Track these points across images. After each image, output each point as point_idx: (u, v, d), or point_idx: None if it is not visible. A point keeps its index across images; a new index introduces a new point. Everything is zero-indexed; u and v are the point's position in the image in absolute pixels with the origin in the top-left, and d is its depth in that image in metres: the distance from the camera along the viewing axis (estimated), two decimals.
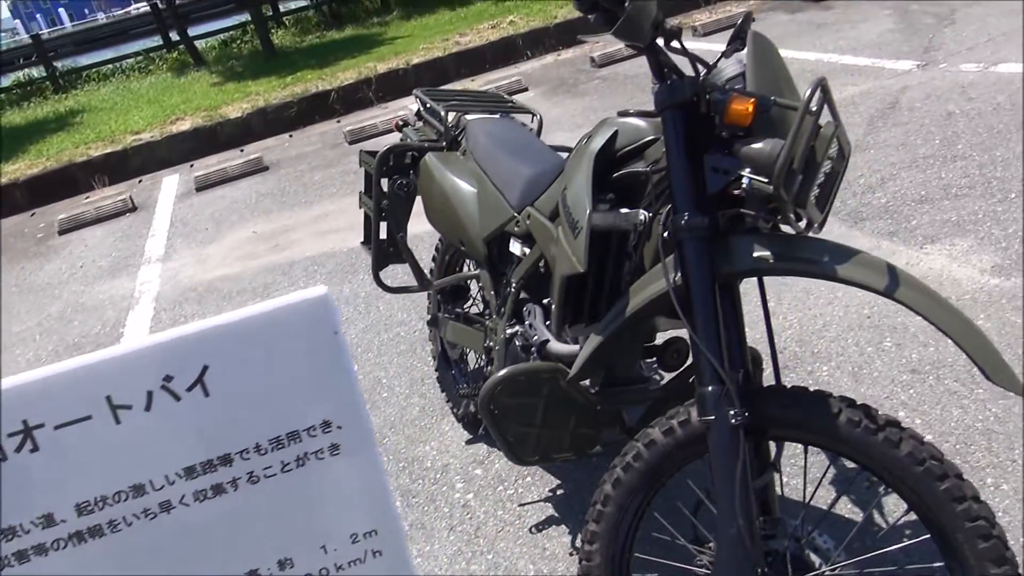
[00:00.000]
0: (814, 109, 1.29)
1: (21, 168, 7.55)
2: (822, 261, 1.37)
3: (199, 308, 4.19)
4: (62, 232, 6.14)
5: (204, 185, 6.44)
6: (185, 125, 7.75)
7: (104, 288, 4.82)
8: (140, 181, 7.18)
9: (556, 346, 1.84)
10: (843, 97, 4.83)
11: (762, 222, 1.40)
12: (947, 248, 3.01)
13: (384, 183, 2.39)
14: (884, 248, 3.12)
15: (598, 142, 1.60)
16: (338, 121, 7.59)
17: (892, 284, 1.32)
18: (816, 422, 1.38)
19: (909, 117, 4.29)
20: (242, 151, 7.32)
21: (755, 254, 1.41)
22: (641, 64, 6.90)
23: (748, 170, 1.32)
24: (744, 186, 1.33)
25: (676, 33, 1.41)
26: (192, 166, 7.22)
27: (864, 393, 2.37)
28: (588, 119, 5.73)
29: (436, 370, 2.78)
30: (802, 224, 1.48)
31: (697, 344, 1.38)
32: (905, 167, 3.73)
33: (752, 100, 1.33)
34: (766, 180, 1.29)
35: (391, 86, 7.82)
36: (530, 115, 2.51)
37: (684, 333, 1.53)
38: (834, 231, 3.33)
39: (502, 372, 1.68)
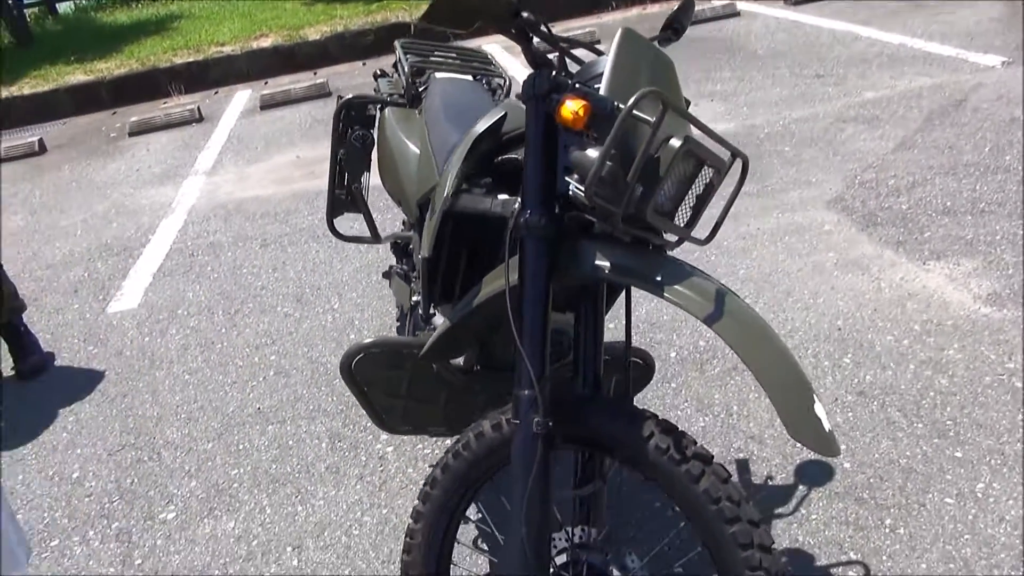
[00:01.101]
0: (652, 120, 1.22)
1: (111, 67, 7.89)
2: (654, 278, 1.32)
3: (223, 226, 4.34)
4: (132, 134, 6.43)
5: (268, 104, 6.59)
6: (267, 42, 7.90)
7: (149, 194, 5.04)
8: (216, 92, 7.41)
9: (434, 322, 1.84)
10: (911, 88, 4.52)
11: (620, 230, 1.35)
12: (949, 267, 2.81)
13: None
14: (886, 258, 2.94)
15: (483, 124, 1.55)
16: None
17: (716, 314, 1.26)
18: (625, 441, 1.35)
19: (970, 118, 3.98)
20: (315, 74, 7.43)
21: (595, 261, 1.36)
22: (719, 27, 6.60)
23: (575, 176, 1.27)
24: (570, 192, 1.28)
25: (534, 24, 1.33)
26: (266, 83, 7.39)
27: None
28: None
29: (397, 320, 2.81)
30: (671, 237, 1.43)
31: (518, 346, 1.35)
32: (942, 173, 3.48)
33: (585, 103, 1.26)
34: (582, 188, 1.24)
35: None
36: (501, 79, 2.46)
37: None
38: (842, 232, 3.16)
39: (364, 341, 1.69)
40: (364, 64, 7.53)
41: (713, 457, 1.31)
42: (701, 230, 1.35)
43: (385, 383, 1.73)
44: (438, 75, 2.43)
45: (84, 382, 3.01)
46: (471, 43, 6.20)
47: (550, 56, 1.47)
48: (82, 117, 7.34)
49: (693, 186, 1.47)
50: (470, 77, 2.44)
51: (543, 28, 1.37)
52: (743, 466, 2.11)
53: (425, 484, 1.54)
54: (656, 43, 1.83)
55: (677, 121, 1.32)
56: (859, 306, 2.69)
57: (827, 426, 1.22)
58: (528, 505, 1.31)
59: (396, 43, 2.60)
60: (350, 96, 2.34)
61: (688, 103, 1.93)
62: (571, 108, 1.25)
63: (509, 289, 1.38)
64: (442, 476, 1.51)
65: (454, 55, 2.61)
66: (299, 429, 2.53)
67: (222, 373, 2.93)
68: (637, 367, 1.83)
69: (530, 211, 1.35)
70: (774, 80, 5.10)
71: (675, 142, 1.27)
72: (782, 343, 1.29)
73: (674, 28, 1.77)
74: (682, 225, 1.45)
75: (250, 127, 6.14)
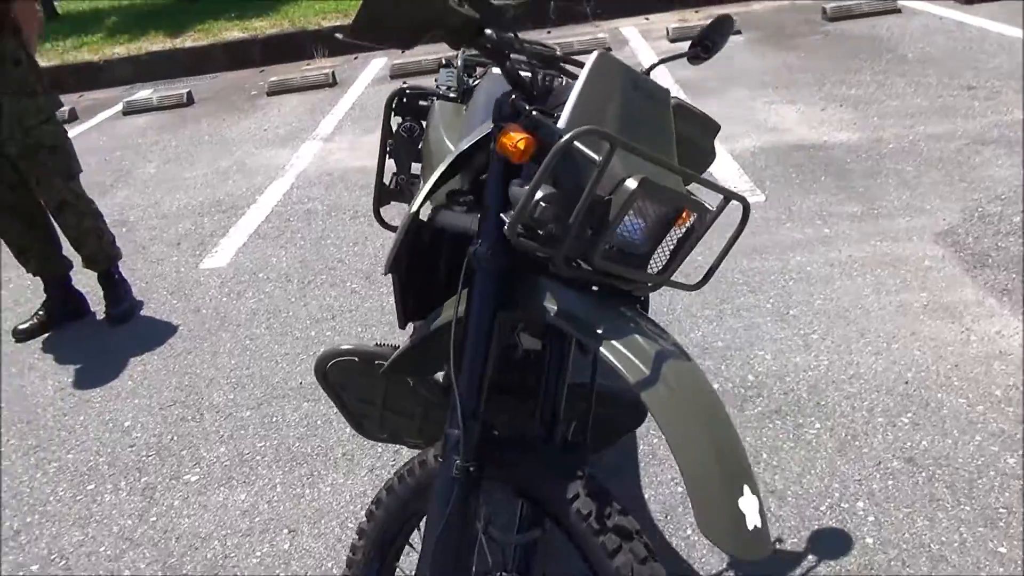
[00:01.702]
0: (598, 159, 1.11)
1: (265, 26, 8.28)
2: (595, 329, 1.21)
3: (324, 193, 4.47)
4: (269, 94, 6.73)
5: (399, 74, 6.71)
6: None
7: (268, 154, 5.26)
8: (355, 58, 7.62)
9: None
10: None
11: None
12: None
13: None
14: (986, 306, 2.62)
15: (468, 141, 1.48)
16: (548, 32, 7.49)
17: (649, 379, 1.14)
18: (549, 496, 1.26)
19: None
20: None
21: (544, 302, 1.27)
22: (874, 24, 6.10)
23: (512, 211, 1.18)
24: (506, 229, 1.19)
25: (501, 42, 1.24)
26: (403, 52, 7.52)
27: (838, 468, 2.08)
28: (778, 78, 5.21)
29: None
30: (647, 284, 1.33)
31: (452, 381, 1.29)
32: None
33: (527, 136, 1.16)
34: (505, 225, 1.15)
35: (611, 4, 7.54)
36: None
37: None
38: (944, 270, 2.84)
39: (341, 346, 1.67)
40: None
41: (638, 532, 1.20)
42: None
43: (360, 390, 1.71)
44: (495, 70, 2.36)
45: (159, 335, 3.20)
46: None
47: (539, 72, 1.38)
48: (232, 73, 7.76)
49: (673, 230, 1.35)
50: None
51: (516, 44, 1.28)
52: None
53: (372, 502, 1.51)
54: (687, 60, 1.69)
55: (641, 161, 1.20)
56: (937, 359, 2.42)
57: (753, 523, 1.08)
58: (436, 547, 1.25)
59: None
60: (403, 86, 2.31)
61: (717, 128, 1.78)
62: (510, 140, 1.16)
63: (456, 320, 1.31)
64: (386, 498, 1.48)
65: (527, 49, 2.52)
66: (329, 410, 2.56)
67: (279, 343, 3.02)
68: (626, 410, 1.71)
69: (481, 242, 1.27)
70: (917, 89, 4.65)
71: (631, 183, 1.15)
72: (721, 424, 1.16)
73: (704, 45, 1.62)
74: (655, 271, 1.34)
75: (376, 96, 6.26)
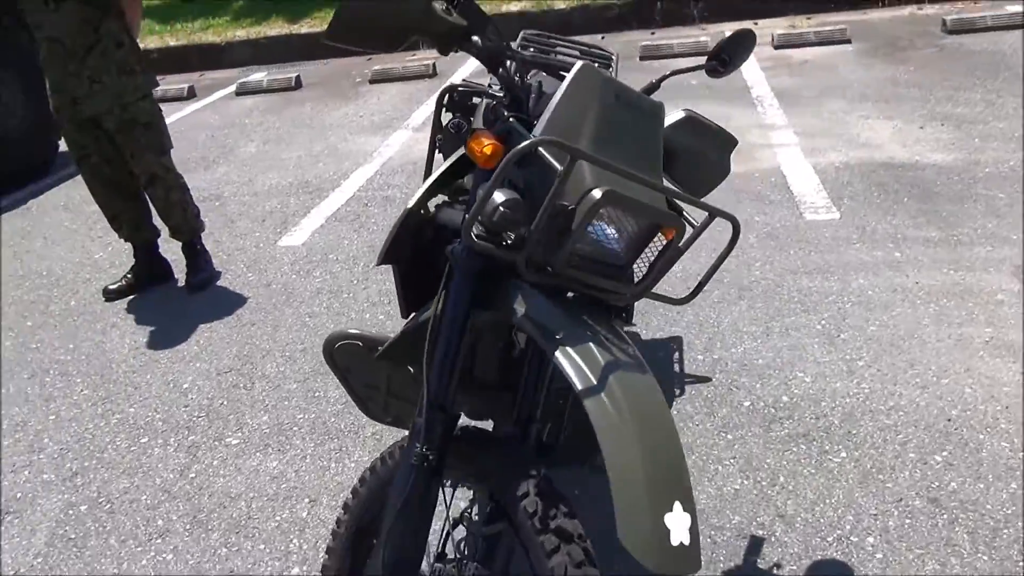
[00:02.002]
0: (559, 168, 1.13)
1: None
2: (555, 335, 1.23)
3: (405, 181, 4.60)
4: (372, 82, 6.96)
5: None
6: (515, 7, 8.11)
7: (359, 141, 5.45)
8: (456, 51, 7.74)
9: None
10: None
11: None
12: None
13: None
14: None
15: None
16: (652, 33, 7.42)
17: (595, 389, 1.16)
18: (502, 491, 1.29)
19: None
20: None
21: (513, 304, 1.30)
22: (997, 39, 5.74)
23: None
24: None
25: (492, 49, 1.28)
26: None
27: (855, 500, 2.01)
28: (880, 91, 5.00)
29: None
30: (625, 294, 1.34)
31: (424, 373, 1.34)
32: None
33: (494, 142, 1.20)
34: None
35: (720, 7, 7.39)
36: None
37: None
38: (1016, 307, 2.68)
39: (348, 330, 1.74)
40: (602, 38, 7.48)
41: (580, 536, 1.22)
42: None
43: (365, 374, 1.78)
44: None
45: (229, 305, 3.39)
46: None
47: (528, 79, 1.42)
48: (343, 60, 8.03)
49: (654, 243, 1.36)
50: None
51: (507, 51, 1.32)
52: (755, 544, 1.92)
53: (359, 480, 1.58)
54: (705, 72, 1.68)
55: (612, 174, 1.21)
56: (988, 398, 2.30)
57: (679, 540, 1.09)
58: (392, 530, 1.30)
59: (522, 33, 2.58)
60: (453, 83, 2.37)
61: (733, 143, 1.76)
62: (479, 145, 1.20)
63: (434, 316, 1.36)
64: (369, 478, 1.54)
65: (577, 52, 2.55)
66: None
67: (334, 322, 3.15)
68: None
69: (460, 242, 1.32)
70: None
71: (595, 193, 1.17)
72: (663, 440, 1.16)
73: (721, 59, 1.61)
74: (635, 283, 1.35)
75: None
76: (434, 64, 6.99)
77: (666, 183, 1.47)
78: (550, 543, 1.20)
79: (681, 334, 2.80)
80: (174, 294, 3.60)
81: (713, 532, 1.96)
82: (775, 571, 1.84)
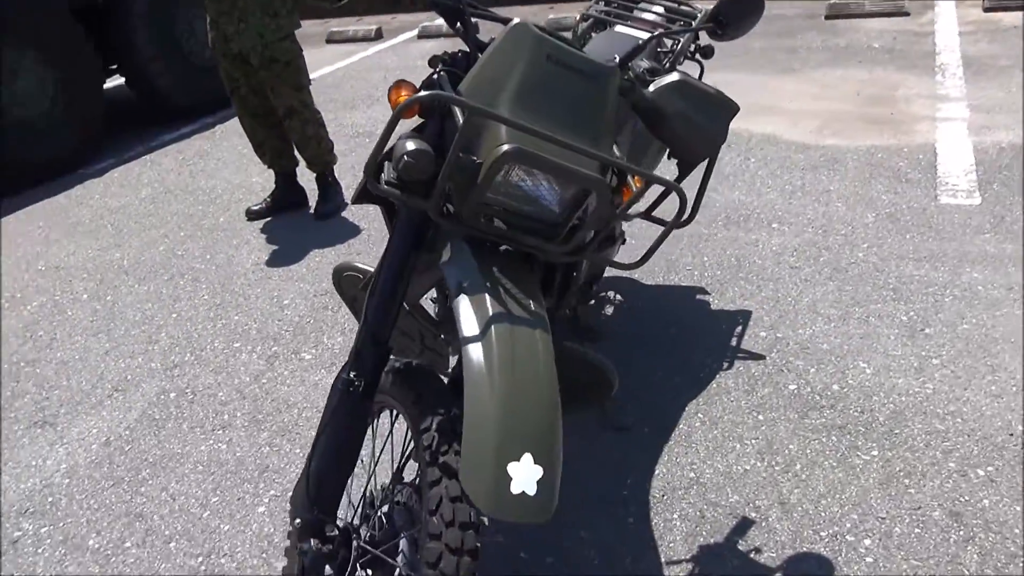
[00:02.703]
0: (465, 124, 1.17)
1: None
2: (461, 284, 1.29)
3: None
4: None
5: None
6: None
7: None
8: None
9: None
10: None
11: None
12: None
13: None
14: None
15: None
16: None
17: (475, 338, 1.22)
18: (414, 423, 1.37)
19: None
20: None
21: (441, 250, 1.36)
22: None
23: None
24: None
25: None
26: None
27: (868, 501, 1.89)
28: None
29: None
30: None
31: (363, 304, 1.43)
32: None
33: (407, 94, 1.25)
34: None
35: None
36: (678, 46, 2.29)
37: None
38: None
39: (353, 263, 1.86)
40: None
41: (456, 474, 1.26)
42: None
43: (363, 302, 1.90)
44: (618, 28, 2.36)
45: (345, 234, 3.66)
46: None
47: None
48: (525, 7, 8.13)
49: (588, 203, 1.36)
50: (645, 35, 2.32)
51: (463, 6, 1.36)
52: (743, 525, 1.87)
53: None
54: (707, 34, 1.62)
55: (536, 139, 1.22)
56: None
57: (520, 489, 1.12)
58: (315, 449, 1.42)
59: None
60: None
61: (733, 110, 1.68)
62: (395, 95, 1.26)
63: (382, 256, 1.45)
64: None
65: (661, 10, 2.48)
66: None
67: None
68: (590, 376, 1.72)
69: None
70: None
71: (499, 149, 1.20)
72: (531, 393, 1.18)
73: (719, 21, 1.54)
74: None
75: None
76: None
77: (616, 150, 1.45)
78: (433, 475, 1.28)
79: (753, 308, 2.69)
80: (303, 220, 3.92)
81: (705, 507, 1.93)
82: (752, 554, 1.79)
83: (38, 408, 2.64)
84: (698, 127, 1.68)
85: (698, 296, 2.81)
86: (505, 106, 1.27)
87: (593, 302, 2.53)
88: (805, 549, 1.79)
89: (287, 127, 3.73)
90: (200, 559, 1.96)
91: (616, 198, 1.39)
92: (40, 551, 2.03)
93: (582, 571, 1.80)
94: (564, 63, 1.32)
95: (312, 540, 1.41)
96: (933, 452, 2.00)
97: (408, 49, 7.20)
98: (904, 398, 2.19)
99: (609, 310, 2.80)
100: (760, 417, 2.20)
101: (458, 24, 1.42)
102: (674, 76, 1.59)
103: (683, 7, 2.50)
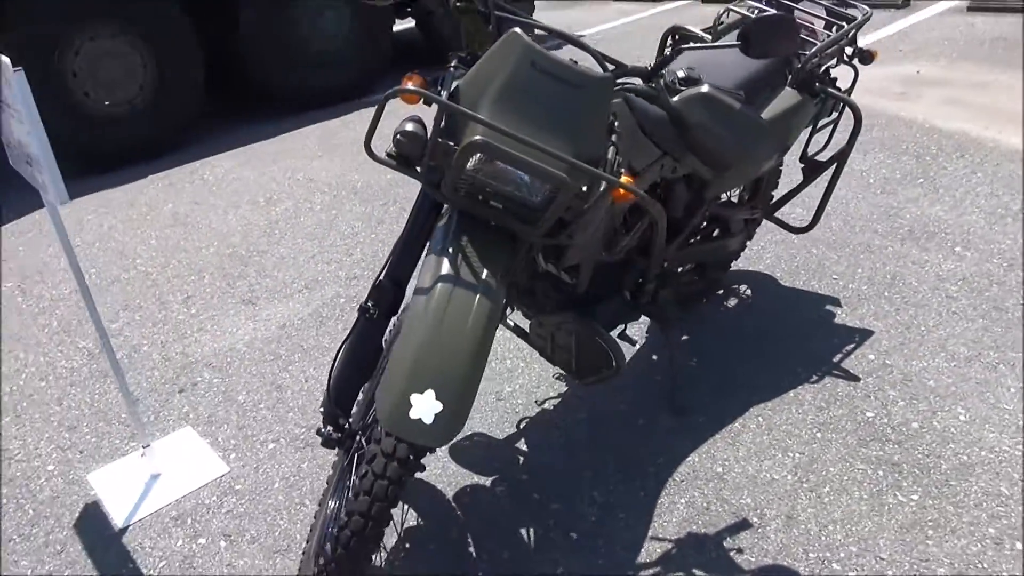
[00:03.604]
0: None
1: None
2: (438, 246, 1.53)
3: None
4: None
5: (977, 7, 5.94)
6: None
7: None
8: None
9: None
10: None
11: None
12: None
13: None
14: None
15: None
16: None
17: (423, 290, 1.46)
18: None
19: None
20: None
21: (437, 222, 1.62)
22: None
23: None
24: None
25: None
26: None
27: (878, 539, 1.85)
28: None
29: None
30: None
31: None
32: None
33: (412, 81, 1.48)
34: None
35: None
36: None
37: None
38: None
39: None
40: None
41: None
42: None
43: None
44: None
45: None
46: None
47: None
48: None
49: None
50: None
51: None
52: (739, 526, 1.93)
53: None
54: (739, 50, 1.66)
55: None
56: None
57: (417, 416, 1.37)
58: (336, 361, 1.75)
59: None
60: (676, 25, 2.50)
61: (761, 132, 1.71)
62: (405, 81, 1.51)
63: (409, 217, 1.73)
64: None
65: (822, 9, 2.42)
66: None
67: None
68: (599, 355, 1.89)
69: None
70: None
71: (469, 140, 1.42)
72: (454, 343, 1.40)
73: (746, 38, 1.59)
74: None
75: (938, 25, 5.72)
76: None
77: (614, 152, 1.57)
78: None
79: (878, 330, 2.58)
80: None
81: (715, 501, 2.01)
82: (732, 553, 1.87)
83: (250, 289, 3.32)
84: (720, 139, 1.74)
85: (827, 306, 2.74)
86: (486, 104, 1.47)
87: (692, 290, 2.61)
88: (784, 563, 1.82)
89: None
90: (303, 430, 2.43)
91: (602, 196, 1.53)
92: (206, 396, 2.65)
93: (579, 525, 1.99)
94: (548, 71, 1.49)
95: (329, 427, 1.78)
96: (979, 513, 1.88)
97: (688, 12, 7.20)
98: (983, 453, 2.05)
99: (732, 302, 2.84)
100: (818, 434, 2.18)
101: (490, 26, 1.63)
102: (700, 88, 1.67)
103: (844, 9, 2.41)
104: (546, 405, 2.41)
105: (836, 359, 2.47)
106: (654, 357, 2.59)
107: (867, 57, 2.41)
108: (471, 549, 1.94)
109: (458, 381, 1.41)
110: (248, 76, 5.51)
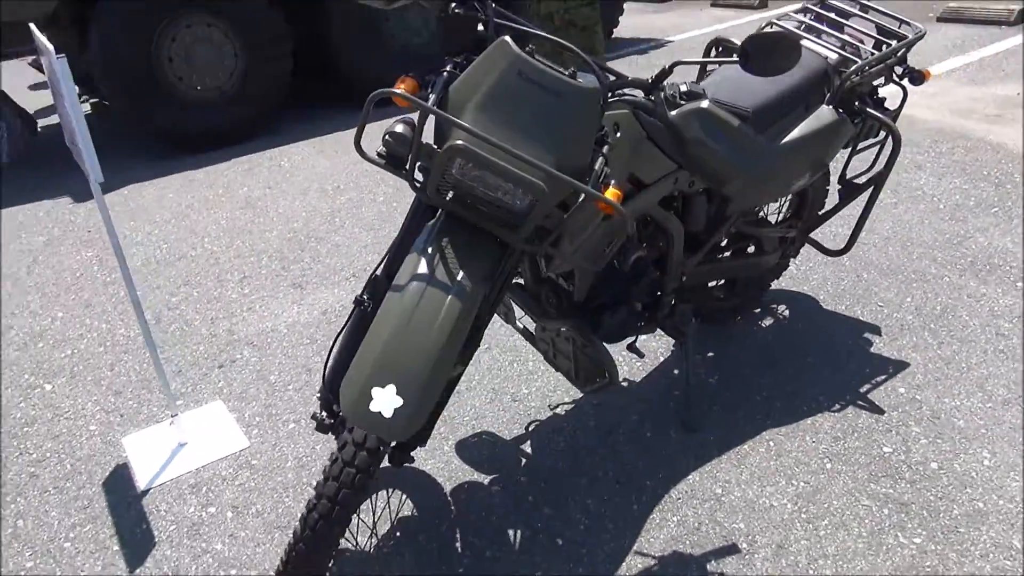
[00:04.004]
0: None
1: None
2: (421, 242, 1.57)
3: None
4: (939, 20, 6.32)
5: None
6: None
7: None
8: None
9: None
10: None
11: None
12: None
13: None
14: None
15: None
16: None
17: (399, 287, 1.50)
18: None
19: None
20: None
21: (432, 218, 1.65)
22: None
23: None
24: None
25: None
26: None
27: None
28: None
29: None
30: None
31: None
32: None
33: (404, 83, 1.52)
34: None
35: None
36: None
37: None
38: None
39: None
40: None
41: None
42: None
43: None
44: (803, 42, 2.31)
45: None
46: None
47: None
48: None
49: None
50: (826, 54, 2.24)
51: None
52: (727, 550, 1.89)
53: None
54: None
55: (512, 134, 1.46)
56: None
57: (377, 408, 1.42)
58: (331, 349, 1.82)
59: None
60: (720, 38, 2.46)
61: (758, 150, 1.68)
62: (397, 88, 1.55)
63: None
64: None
65: (872, 27, 2.34)
66: None
67: None
68: (595, 367, 1.89)
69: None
70: None
71: (449, 144, 1.45)
72: (422, 343, 1.44)
73: (745, 53, 1.55)
74: None
75: None
76: (1019, 12, 5.99)
77: (602, 163, 1.56)
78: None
79: (915, 363, 2.47)
80: None
81: (708, 522, 1.98)
82: (711, 569, 1.84)
83: (301, 273, 3.45)
84: (715, 154, 1.71)
85: (866, 334, 2.64)
86: (471, 110, 1.50)
87: (679, 308, 2.53)
88: None
89: None
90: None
91: (581, 207, 1.53)
92: (241, 373, 2.78)
93: (567, 531, 2.00)
94: (534, 80, 1.50)
95: (323, 412, 1.85)
96: (983, 564, 1.79)
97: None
98: (1001, 502, 1.94)
99: (767, 322, 2.77)
100: (828, 465, 2.11)
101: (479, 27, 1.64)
102: (698, 104, 1.65)
103: (898, 27, 2.32)
104: (558, 410, 2.42)
105: (863, 389, 2.38)
106: (675, 371, 2.56)
107: (917, 77, 2.31)
108: (457, 544, 1.97)
109: (420, 378, 1.45)
110: (334, 68, 5.69)
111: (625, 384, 2.52)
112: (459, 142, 1.44)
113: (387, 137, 1.53)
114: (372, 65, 5.67)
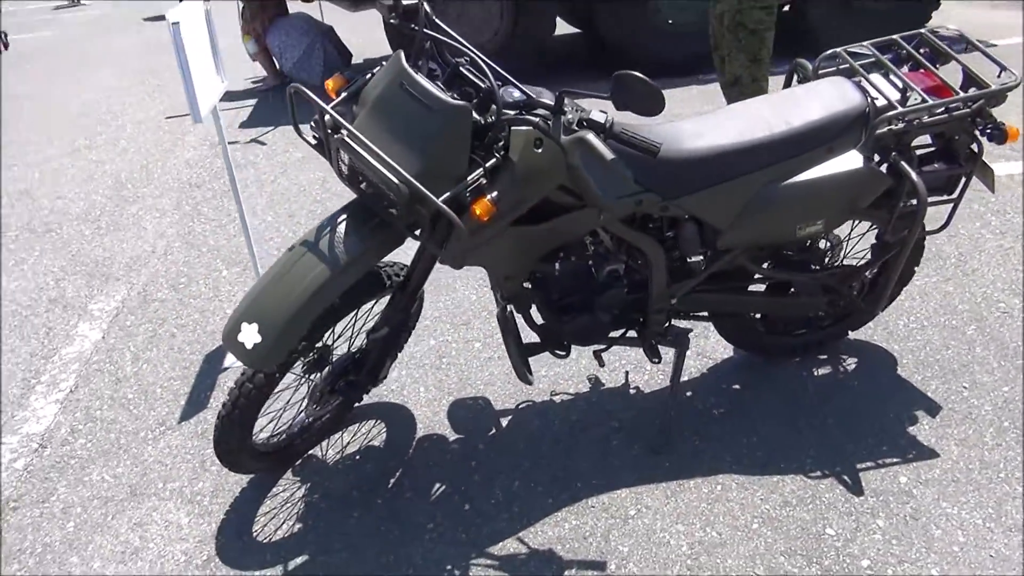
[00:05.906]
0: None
1: None
2: (330, 218, 1.84)
3: None
4: None
5: None
6: None
7: None
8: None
9: None
10: None
11: None
12: None
13: None
14: None
15: None
16: None
17: (288, 249, 1.79)
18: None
19: None
20: None
21: None
22: None
23: None
24: None
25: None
26: None
27: None
28: None
29: None
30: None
31: None
32: None
33: (333, 81, 1.76)
34: None
35: None
36: None
37: None
38: None
39: None
40: None
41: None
42: None
43: None
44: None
45: None
46: None
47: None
48: None
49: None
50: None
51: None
52: (592, 566, 1.94)
53: None
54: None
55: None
56: None
57: (242, 340, 1.76)
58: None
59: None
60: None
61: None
62: (327, 84, 1.80)
63: None
64: None
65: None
66: None
67: None
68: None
69: None
70: None
71: (336, 136, 1.69)
72: (288, 295, 1.74)
73: (613, 80, 1.57)
74: None
75: None
76: None
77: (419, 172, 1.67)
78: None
79: (946, 458, 2.17)
80: None
81: (598, 537, 2.02)
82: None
83: None
84: (587, 184, 1.73)
85: (918, 411, 2.34)
86: (363, 111, 1.71)
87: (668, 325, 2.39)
88: None
89: (726, 95, 3.81)
90: None
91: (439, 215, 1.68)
92: None
93: (478, 501, 2.17)
94: (412, 93, 1.66)
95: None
96: None
97: None
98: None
99: (824, 370, 2.56)
100: (755, 526, 2.01)
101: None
102: (581, 135, 1.68)
103: (995, 75, 2.00)
104: (556, 399, 2.54)
105: (861, 465, 2.16)
106: (688, 394, 2.52)
107: (998, 135, 1.97)
108: (392, 480, 2.26)
109: (280, 323, 1.75)
110: (599, 38, 5.93)
111: (634, 392, 2.55)
112: (339, 135, 1.68)
113: (311, 124, 1.81)
114: (637, 38, 5.83)
